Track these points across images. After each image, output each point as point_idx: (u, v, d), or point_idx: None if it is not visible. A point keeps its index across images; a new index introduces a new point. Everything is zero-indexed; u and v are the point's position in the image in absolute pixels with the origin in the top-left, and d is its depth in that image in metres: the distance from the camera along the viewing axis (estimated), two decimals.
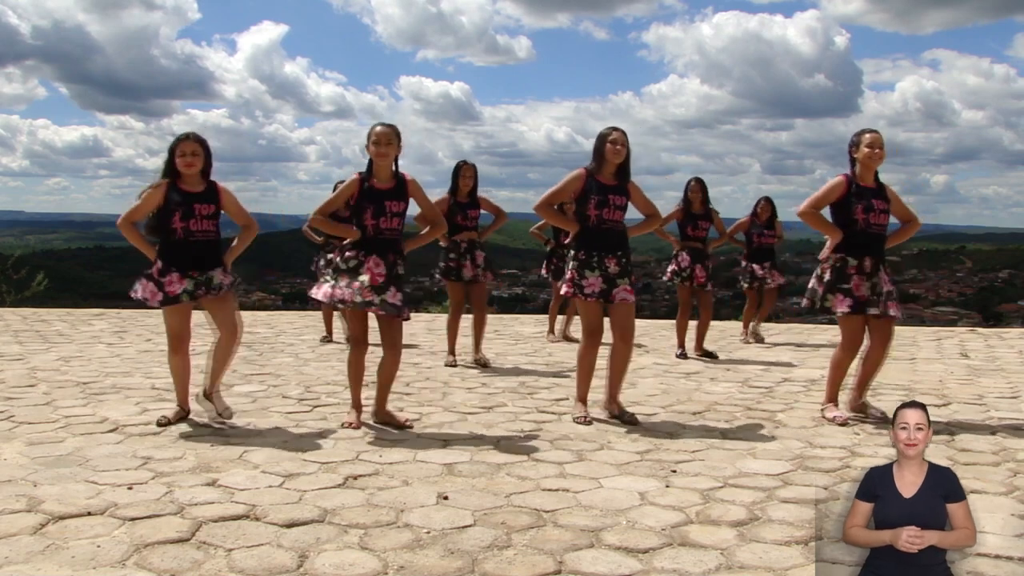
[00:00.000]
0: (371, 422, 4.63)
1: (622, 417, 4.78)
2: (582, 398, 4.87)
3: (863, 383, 4.97)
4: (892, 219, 4.88)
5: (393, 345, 4.61)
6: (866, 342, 4.90)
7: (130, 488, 3.45)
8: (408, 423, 4.61)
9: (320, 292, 4.55)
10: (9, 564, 2.70)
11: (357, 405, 4.66)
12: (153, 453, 3.98)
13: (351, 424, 4.54)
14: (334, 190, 7.65)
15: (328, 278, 4.54)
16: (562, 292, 4.93)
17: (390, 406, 4.70)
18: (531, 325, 9.60)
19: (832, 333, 9.24)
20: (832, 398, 4.97)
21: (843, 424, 4.72)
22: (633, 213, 4.90)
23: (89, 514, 3.14)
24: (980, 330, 9.96)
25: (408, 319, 4.59)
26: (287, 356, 7.05)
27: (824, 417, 4.88)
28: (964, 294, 46.12)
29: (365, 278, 4.42)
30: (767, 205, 8.31)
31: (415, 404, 5.03)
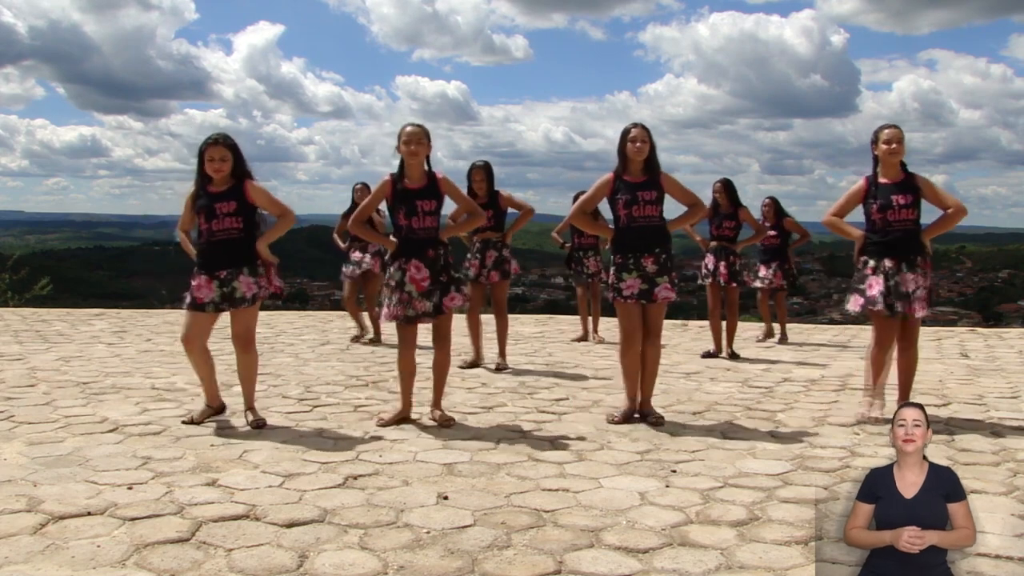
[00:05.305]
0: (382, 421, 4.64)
1: (649, 417, 4.74)
2: (629, 395, 4.81)
3: (902, 389, 4.95)
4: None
5: (442, 339, 4.67)
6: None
7: (130, 488, 3.45)
8: (450, 421, 4.65)
9: (384, 314, 4.61)
10: (9, 564, 2.70)
11: (405, 403, 4.66)
12: (153, 453, 3.98)
13: (383, 418, 4.58)
14: (353, 196, 7.66)
15: (384, 297, 4.60)
16: (610, 298, 4.83)
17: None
18: (531, 325, 9.60)
19: (832, 333, 9.25)
20: (870, 387, 4.92)
21: (861, 422, 4.74)
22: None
23: (89, 514, 3.14)
24: (980, 330, 9.96)
25: (449, 310, 4.58)
26: (287, 356, 7.05)
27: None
28: (964, 294, 46.12)
29: (411, 288, 4.46)
30: (770, 205, 8.36)
31: (415, 404, 5.02)
